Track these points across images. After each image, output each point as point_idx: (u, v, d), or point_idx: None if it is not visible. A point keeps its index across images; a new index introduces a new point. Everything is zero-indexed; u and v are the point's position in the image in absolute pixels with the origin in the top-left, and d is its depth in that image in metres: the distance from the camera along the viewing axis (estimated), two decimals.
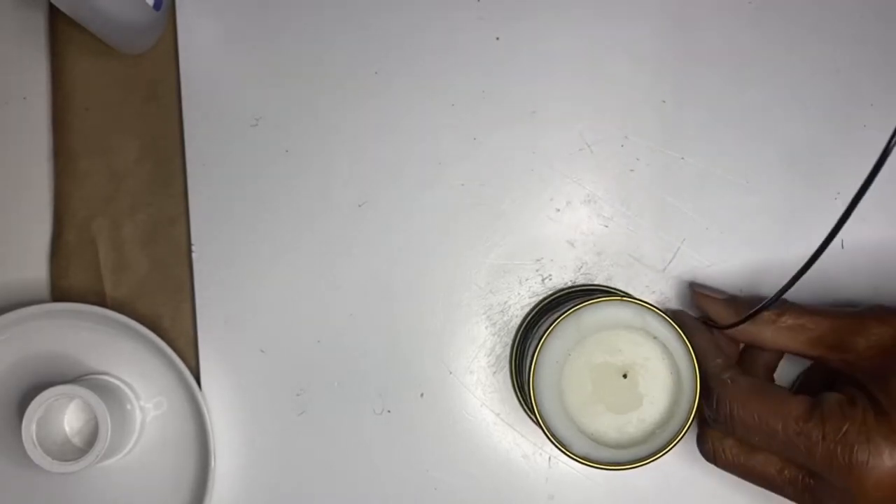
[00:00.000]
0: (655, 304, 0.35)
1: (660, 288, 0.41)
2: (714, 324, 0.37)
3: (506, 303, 0.41)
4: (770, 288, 0.41)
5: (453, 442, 0.41)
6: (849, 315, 0.35)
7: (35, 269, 0.42)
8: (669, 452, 0.34)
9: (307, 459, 0.41)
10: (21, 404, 0.39)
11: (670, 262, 0.41)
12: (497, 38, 0.42)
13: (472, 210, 0.41)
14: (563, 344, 0.35)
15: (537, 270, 0.41)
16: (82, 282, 0.41)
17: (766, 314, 0.35)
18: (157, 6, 0.38)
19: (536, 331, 0.38)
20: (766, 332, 0.35)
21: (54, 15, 0.42)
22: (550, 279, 0.41)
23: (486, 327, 0.41)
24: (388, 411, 0.41)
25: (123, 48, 0.41)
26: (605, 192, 0.41)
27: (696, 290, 0.39)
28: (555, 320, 0.34)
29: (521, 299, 0.41)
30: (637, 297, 0.40)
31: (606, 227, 0.41)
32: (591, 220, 0.41)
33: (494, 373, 0.41)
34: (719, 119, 0.41)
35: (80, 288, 0.41)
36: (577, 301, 0.35)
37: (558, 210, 0.41)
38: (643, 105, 0.41)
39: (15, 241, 0.42)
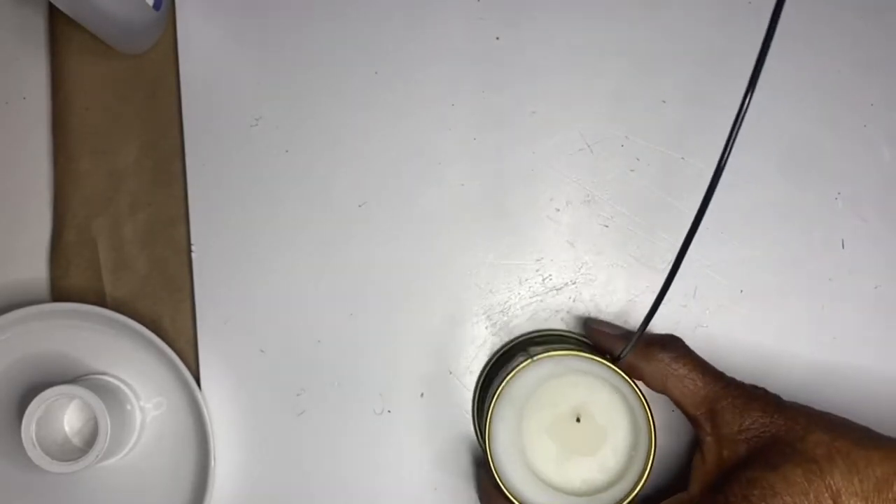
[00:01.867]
0: (594, 351, 0.35)
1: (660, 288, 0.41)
2: (608, 356, 0.37)
3: (506, 303, 0.41)
4: (768, 288, 0.41)
5: (453, 442, 0.41)
6: (737, 389, 0.35)
7: (35, 269, 0.42)
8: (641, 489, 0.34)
9: (307, 459, 0.41)
10: (21, 404, 0.39)
11: (670, 263, 0.41)
12: (497, 38, 0.42)
13: (472, 210, 0.41)
14: (514, 403, 0.35)
15: (537, 270, 0.41)
16: (82, 282, 0.41)
17: (661, 355, 0.35)
18: (157, 6, 0.38)
19: (489, 391, 0.38)
20: (657, 372, 0.35)
21: (54, 15, 0.42)
22: (550, 279, 0.41)
23: (486, 327, 0.41)
24: (388, 411, 0.41)
25: (123, 48, 0.41)
26: (605, 192, 0.41)
27: (590, 326, 0.39)
28: (503, 380, 0.34)
29: (521, 299, 0.41)
30: (579, 339, 0.40)
31: (606, 227, 0.41)
32: (591, 220, 0.41)
33: None
34: (719, 119, 0.41)
35: (81, 288, 0.41)
36: (522, 357, 0.35)
37: (558, 210, 0.41)
38: (643, 105, 0.41)
39: (15, 241, 0.42)
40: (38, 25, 0.42)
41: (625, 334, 0.38)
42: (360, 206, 0.41)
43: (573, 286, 0.41)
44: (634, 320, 0.41)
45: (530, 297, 0.41)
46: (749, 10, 0.41)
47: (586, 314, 0.41)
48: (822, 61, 0.42)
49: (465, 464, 0.41)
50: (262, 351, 0.41)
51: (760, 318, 0.41)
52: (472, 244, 0.41)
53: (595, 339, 0.39)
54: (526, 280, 0.41)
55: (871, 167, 0.41)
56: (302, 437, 0.41)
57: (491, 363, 0.41)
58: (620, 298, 0.41)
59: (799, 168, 0.41)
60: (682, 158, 0.41)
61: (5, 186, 0.42)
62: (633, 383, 0.34)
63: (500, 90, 0.41)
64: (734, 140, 0.27)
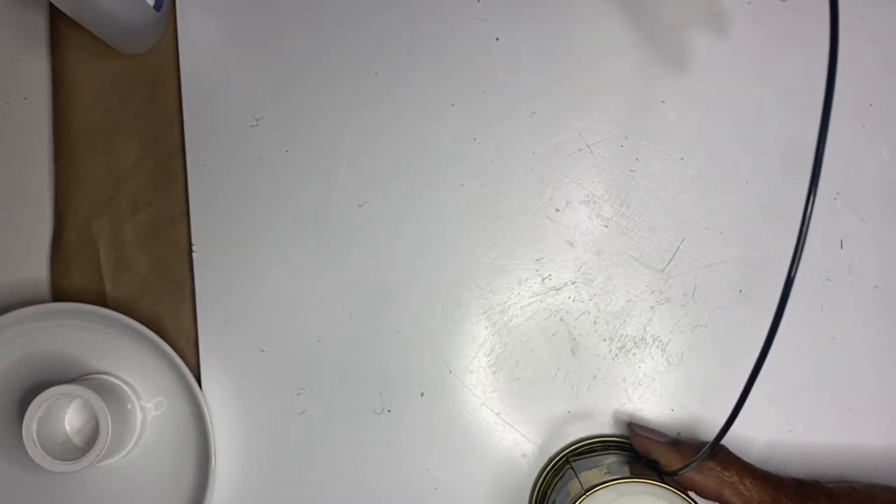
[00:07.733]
0: (647, 471, 0.35)
1: (659, 288, 0.41)
2: (661, 469, 0.37)
3: (506, 303, 0.41)
4: (768, 288, 0.41)
5: (453, 441, 0.41)
6: (790, 488, 0.36)
7: (36, 269, 0.42)
8: None
9: (307, 459, 0.41)
10: (22, 404, 0.39)
11: (670, 262, 0.41)
12: (497, 39, 0.42)
13: (472, 210, 0.41)
14: None
15: (537, 270, 0.41)
16: (83, 281, 0.41)
17: (711, 464, 0.36)
18: (157, 6, 0.38)
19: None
20: (711, 482, 0.36)
21: (54, 15, 0.42)
22: (550, 279, 0.41)
23: (486, 327, 0.41)
24: (388, 411, 0.41)
25: (124, 48, 0.41)
26: (605, 192, 0.41)
27: (635, 432, 0.39)
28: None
29: (521, 299, 0.41)
30: (621, 443, 0.40)
31: (606, 227, 0.41)
32: (591, 220, 0.41)
33: (494, 372, 0.41)
34: (719, 119, 0.41)
35: (81, 288, 0.41)
36: (575, 487, 0.36)
37: (558, 210, 0.41)
38: (643, 105, 0.41)
39: (15, 241, 0.42)
40: (39, 26, 0.42)
41: (670, 441, 0.38)
42: (360, 205, 0.42)
43: (572, 286, 0.41)
44: (634, 320, 0.41)
45: (530, 297, 0.41)
46: (749, 9, 0.42)
47: (585, 314, 0.41)
48: (822, 61, 0.42)
49: (464, 463, 0.41)
50: (262, 351, 0.41)
51: (760, 319, 0.41)
52: (472, 244, 0.41)
53: (640, 445, 0.38)
54: (525, 280, 0.41)
55: (869, 167, 0.41)
56: (302, 436, 0.41)
57: (542, 481, 0.40)
58: (620, 298, 0.41)
59: (798, 168, 0.41)
60: (682, 158, 0.41)
61: (6, 186, 0.42)
62: (689, 499, 0.34)
63: (500, 90, 0.42)
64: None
